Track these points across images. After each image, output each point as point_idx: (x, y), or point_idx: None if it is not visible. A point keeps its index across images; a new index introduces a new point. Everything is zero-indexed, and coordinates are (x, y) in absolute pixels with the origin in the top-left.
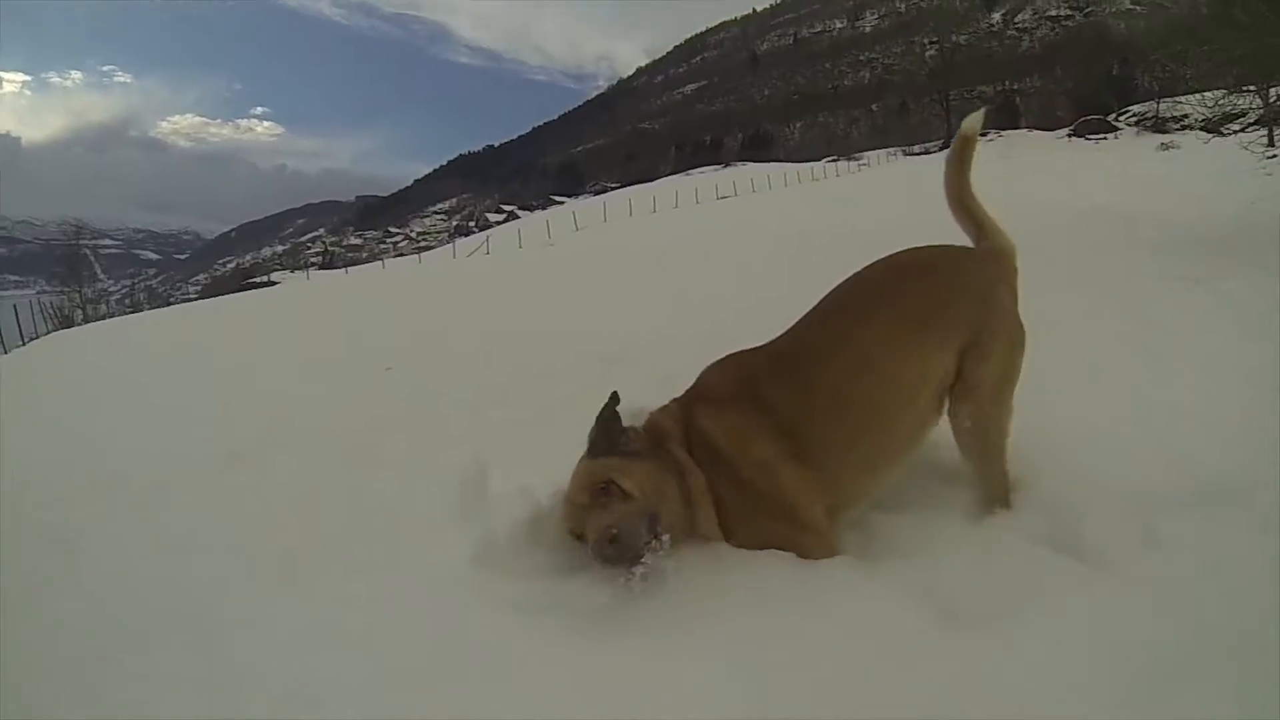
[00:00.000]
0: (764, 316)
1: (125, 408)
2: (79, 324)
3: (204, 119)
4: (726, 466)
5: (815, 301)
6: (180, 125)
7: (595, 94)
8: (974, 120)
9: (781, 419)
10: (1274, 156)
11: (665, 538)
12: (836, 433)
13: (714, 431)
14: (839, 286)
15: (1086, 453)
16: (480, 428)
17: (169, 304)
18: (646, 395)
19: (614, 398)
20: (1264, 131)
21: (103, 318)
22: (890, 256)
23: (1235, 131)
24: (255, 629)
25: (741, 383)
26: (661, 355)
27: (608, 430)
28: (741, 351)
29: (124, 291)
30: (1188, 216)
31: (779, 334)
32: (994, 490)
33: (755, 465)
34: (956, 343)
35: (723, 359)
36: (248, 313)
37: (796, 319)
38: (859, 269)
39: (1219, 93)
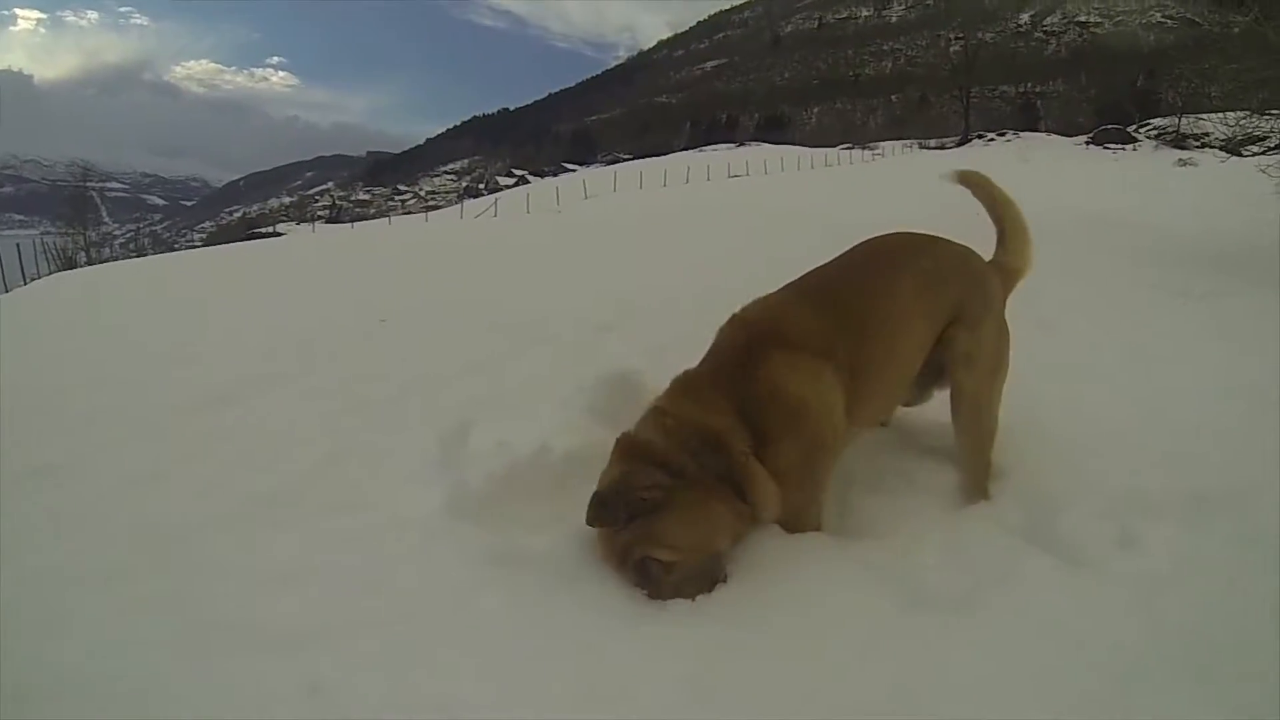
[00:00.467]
0: (757, 291)
1: (113, 349)
2: (81, 266)
3: (219, 66)
4: (802, 422)
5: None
6: (195, 71)
7: (615, 64)
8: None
9: (840, 364)
10: None
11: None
12: (875, 384)
13: (790, 382)
14: (851, 251)
15: (1071, 451)
16: (469, 383)
17: (173, 250)
18: (638, 361)
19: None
20: None
21: (106, 261)
22: (891, 234)
23: (1255, 154)
24: (225, 571)
25: (805, 325)
26: (653, 324)
27: (614, 504)
28: (774, 296)
29: (129, 236)
30: (1197, 233)
31: (795, 281)
32: (976, 478)
33: (829, 416)
34: (943, 318)
35: (761, 300)
36: (248, 261)
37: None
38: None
39: (1242, 113)
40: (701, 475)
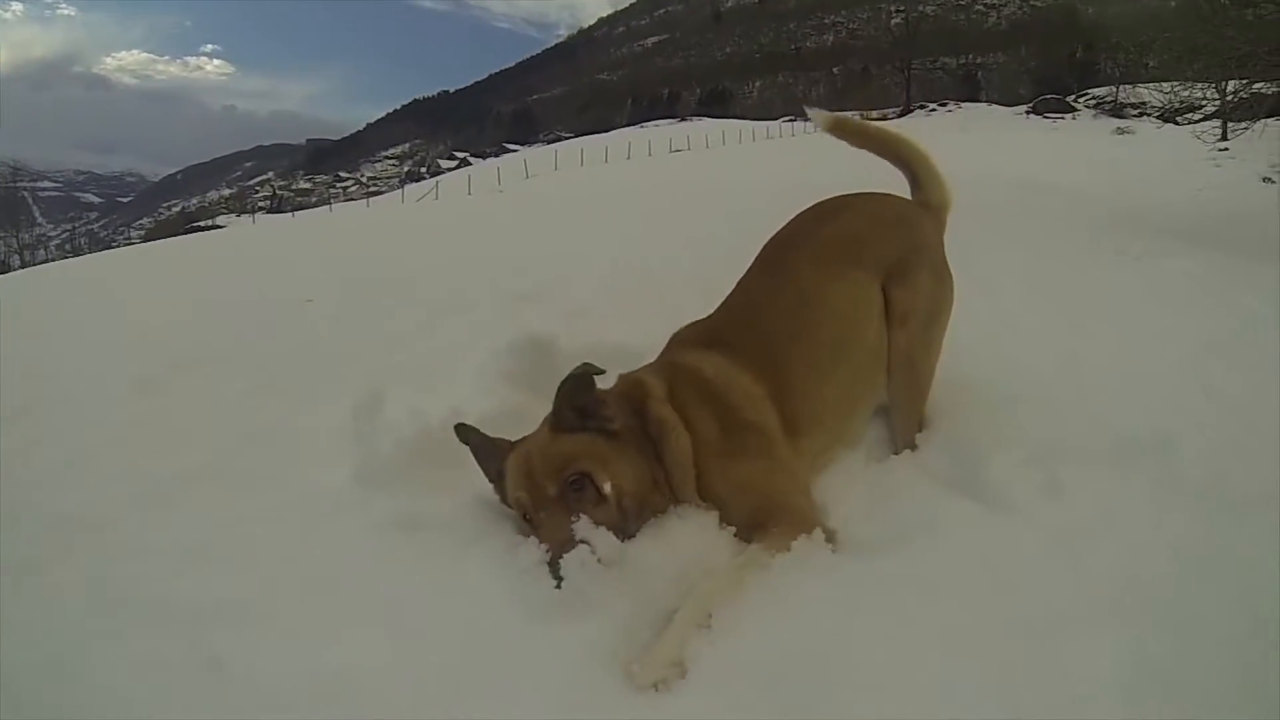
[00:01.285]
0: (692, 258)
1: (42, 348)
2: (15, 270)
3: (151, 56)
4: (716, 402)
5: (747, 246)
6: (126, 62)
7: (556, 43)
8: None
9: (753, 361)
10: (1225, 149)
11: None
12: (800, 371)
13: (701, 367)
14: (771, 239)
15: (997, 402)
16: (388, 356)
17: (110, 248)
18: (556, 325)
19: (588, 367)
20: (1218, 123)
21: (41, 263)
22: (814, 204)
23: (1192, 121)
24: (135, 553)
25: (710, 333)
26: (570, 293)
27: (580, 397)
28: (699, 320)
29: (64, 236)
30: (1135, 198)
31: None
32: (906, 430)
33: (744, 394)
34: (878, 272)
35: (685, 326)
36: (181, 254)
37: (736, 274)
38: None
39: (1178, 83)
40: (646, 435)
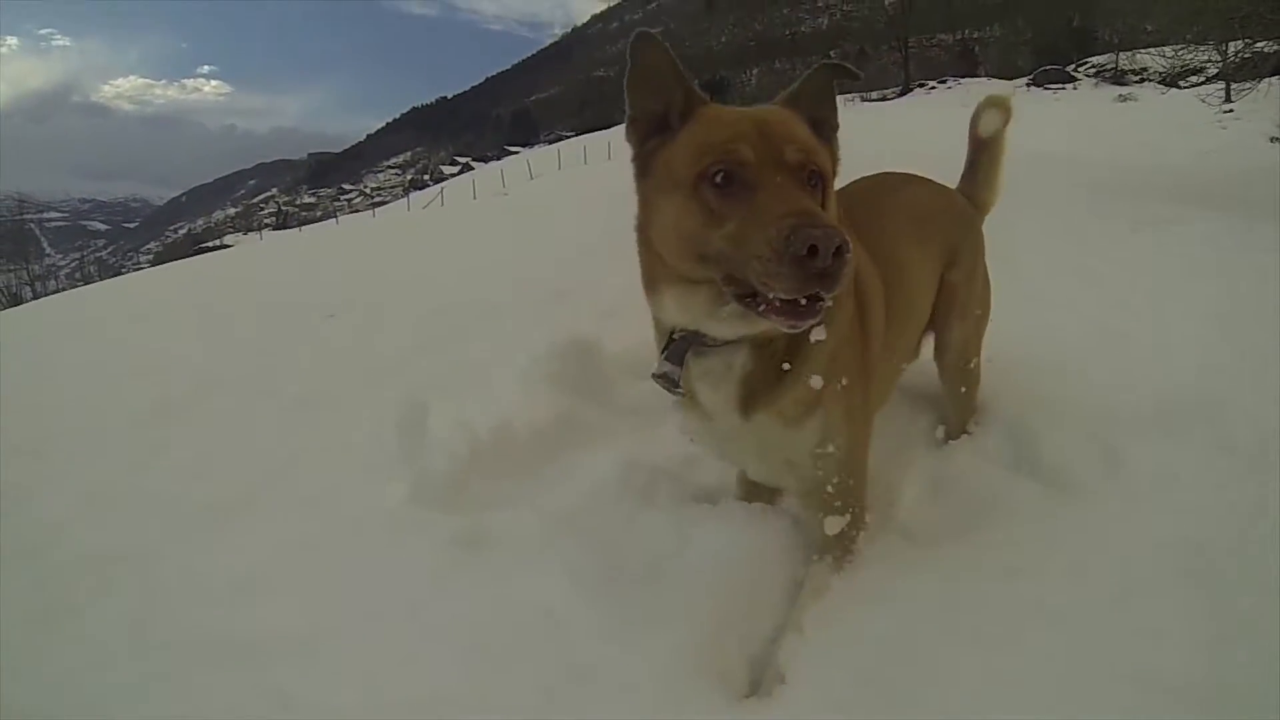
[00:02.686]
0: None
1: (63, 375)
2: (28, 301)
3: (148, 80)
4: (859, 282)
5: None
6: (124, 88)
7: (550, 42)
8: (990, 120)
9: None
10: (1229, 110)
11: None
12: (898, 327)
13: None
14: (853, 188)
15: (1043, 378)
16: (423, 367)
17: (120, 274)
18: (592, 327)
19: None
20: (1221, 85)
21: (52, 293)
22: (871, 176)
23: (1194, 85)
24: (186, 588)
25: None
26: (602, 291)
27: (827, 97)
28: None
29: (74, 265)
30: (1142, 165)
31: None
32: (962, 416)
33: (874, 286)
34: (941, 255)
35: None
36: (191, 276)
37: None
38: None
39: (1180, 46)
40: None
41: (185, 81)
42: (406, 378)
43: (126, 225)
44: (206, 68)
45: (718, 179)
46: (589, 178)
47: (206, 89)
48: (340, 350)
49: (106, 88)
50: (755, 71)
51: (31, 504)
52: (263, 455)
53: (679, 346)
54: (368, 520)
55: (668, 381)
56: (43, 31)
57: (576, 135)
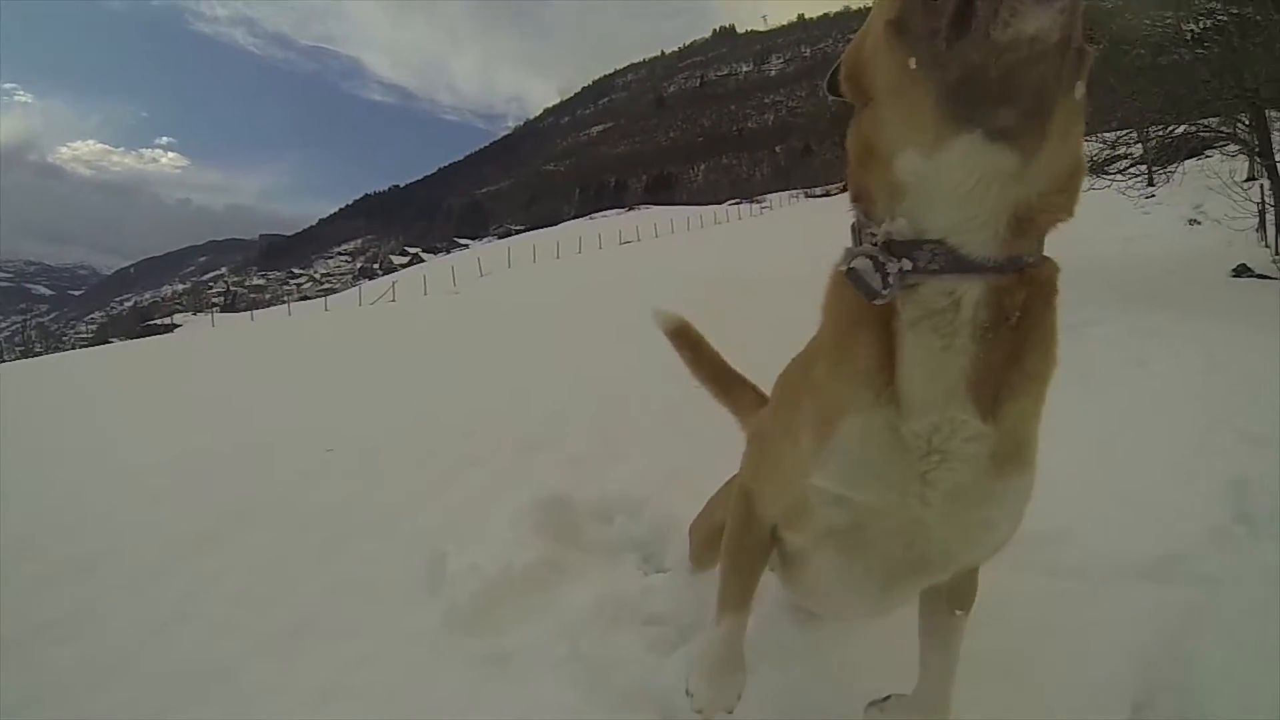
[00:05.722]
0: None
1: (83, 483)
2: None
3: (106, 146)
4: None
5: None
6: (81, 151)
7: (503, 134)
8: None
9: None
10: (1151, 195)
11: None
12: None
13: None
14: None
15: None
16: (429, 510)
17: (62, 343)
18: (563, 475)
19: None
20: (1144, 173)
21: None
22: None
23: (1122, 170)
24: (278, 693)
25: None
26: (570, 437)
27: None
28: None
29: (14, 329)
30: (1071, 256)
31: None
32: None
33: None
34: None
35: None
36: (150, 370)
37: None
38: None
39: (1109, 135)
40: None
41: (143, 151)
42: (418, 522)
43: (72, 292)
44: (166, 139)
45: None
46: (537, 280)
47: (164, 160)
48: (345, 490)
49: (64, 149)
50: (703, 167)
51: (105, 627)
52: (306, 587)
53: (872, 255)
54: (411, 643)
55: (862, 283)
56: (6, 85)
57: (526, 231)
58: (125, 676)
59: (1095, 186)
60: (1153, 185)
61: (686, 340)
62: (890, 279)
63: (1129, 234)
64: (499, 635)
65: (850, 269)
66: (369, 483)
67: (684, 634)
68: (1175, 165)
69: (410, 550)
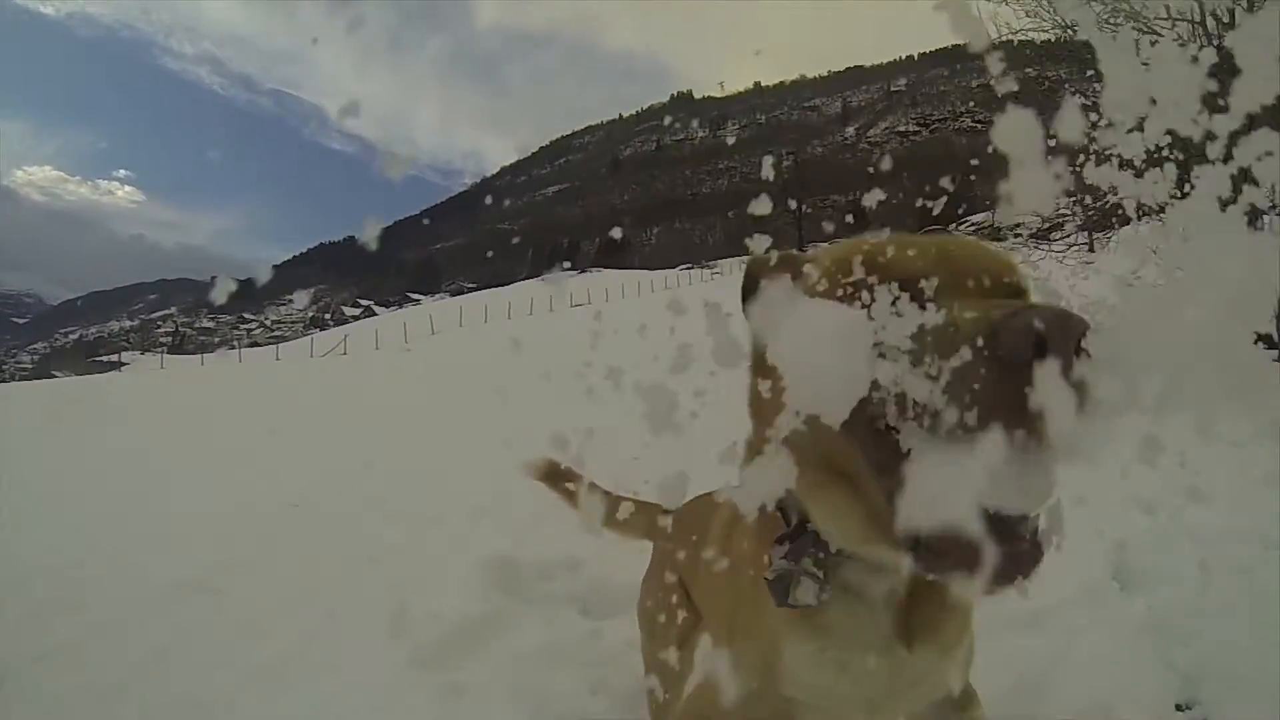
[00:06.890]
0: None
1: (83, 529)
2: None
3: (62, 174)
4: None
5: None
6: (36, 177)
7: (459, 190)
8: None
9: None
10: (1090, 262)
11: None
12: None
13: None
14: None
15: None
16: (391, 567)
17: (2, 372)
18: (506, 543)
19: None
20: (1084, 238)
21: None
22: None
23: (1064, 236)
24: None
25: None
26: (517, 503)
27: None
28: None
29: None
30: None
31: None
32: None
33: None
34: None
35: None
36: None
37: None
38: None
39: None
40: None
41: (100, 181)
42: (382, 575)
43: (15, 319)
44: (123, 172)
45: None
46: (489, 341)
47: (120, 193)
48: (320, 547)
49: (19, 173)
50: (656, 230)
51: (100, 661)
52: (287, 629)
53: (803, 542)
54: (382, 677)
55: (778, 588)
56: None
57: (478, 289)
58: (122, 705)
59: (1031, 259)
60: (1093, 250)
61: (559, 479)
62: (825, 592)
63: (1069, 300)
64: (456, 671)
65: (773, 578)
66: (327, 540)
67: (617, 673)
68: (1115, 231)
69: (378, 599)
